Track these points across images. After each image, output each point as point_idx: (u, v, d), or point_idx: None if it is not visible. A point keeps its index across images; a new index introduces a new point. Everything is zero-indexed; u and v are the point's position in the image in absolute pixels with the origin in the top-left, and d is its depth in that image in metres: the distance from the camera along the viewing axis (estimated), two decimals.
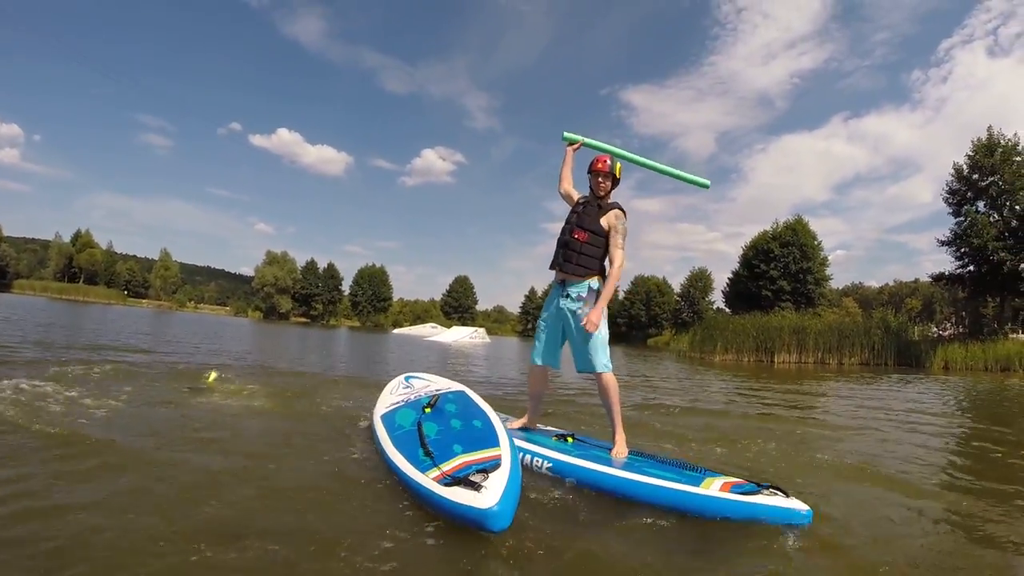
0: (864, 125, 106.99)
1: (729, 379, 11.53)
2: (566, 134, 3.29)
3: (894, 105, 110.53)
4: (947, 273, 21.77)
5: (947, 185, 21.48)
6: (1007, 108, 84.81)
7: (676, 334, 40.49)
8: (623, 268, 3.00)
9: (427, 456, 2.38)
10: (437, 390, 3.33)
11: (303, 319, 70.02)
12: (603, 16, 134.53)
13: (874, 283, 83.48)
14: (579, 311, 2.98)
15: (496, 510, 1.92)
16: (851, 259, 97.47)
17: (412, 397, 3.33)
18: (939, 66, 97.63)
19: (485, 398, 3.16)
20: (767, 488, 2.39)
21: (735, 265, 41.74)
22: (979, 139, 20.63)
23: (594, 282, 3.02)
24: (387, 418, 3.05)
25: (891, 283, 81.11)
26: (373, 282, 73.93)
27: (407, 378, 3.90)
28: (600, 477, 2.60)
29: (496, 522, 1.91)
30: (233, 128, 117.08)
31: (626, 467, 2.63)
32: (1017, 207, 19.42)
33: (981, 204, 20.59)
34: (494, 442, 2.45)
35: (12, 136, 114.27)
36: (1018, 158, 19.79)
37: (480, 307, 79.00)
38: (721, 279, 43.99)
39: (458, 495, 2.01)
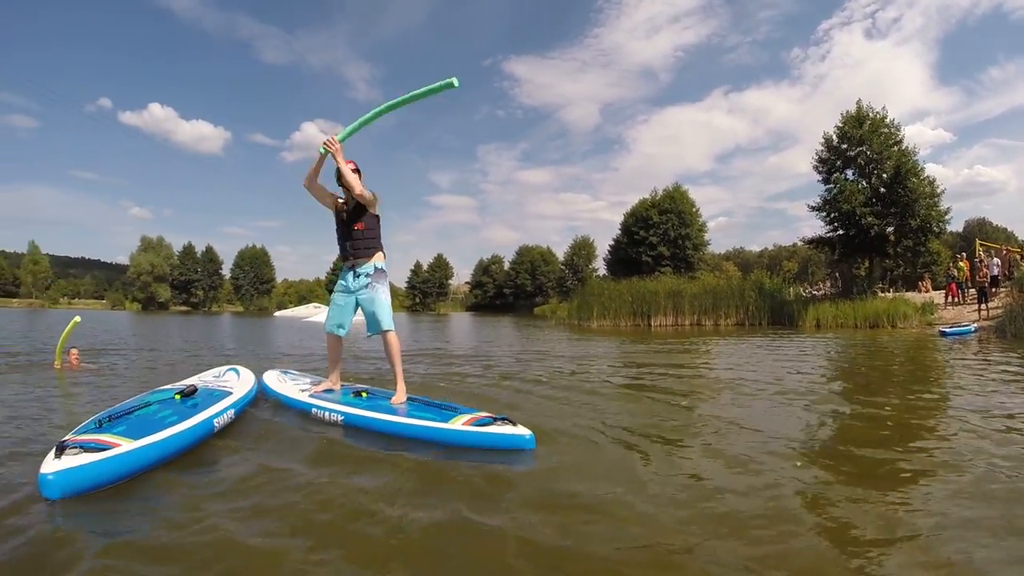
0: (745, 99, 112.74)
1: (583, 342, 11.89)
2: (321, 149, 3.49)
3: (774, 80, 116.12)
4: (818, 237, 23.20)
5: (817, 154, 22.71)
6: (880, 86, 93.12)
7: (561, 302, 39.99)
8: (360, 191, 3.56)
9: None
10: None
11: (184, 307, 65.59)
12: None
13: (755, 247, 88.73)
14: (370, 286, 3.63)
15: None
16: (733, 225, 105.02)
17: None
18: (818, 45, 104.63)
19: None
20: (500, 420, 2.93)
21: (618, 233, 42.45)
22: (848, 112, 21.95)
23: (379, 261, 3.70)
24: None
25: (771, 247, 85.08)
26: (255, 264, 70.59)
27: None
28: (374, 423, 3.17)
29: None
30: (102, 104, 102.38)
31: (396, 412, 3.20)
32: (884, 175, 20.93)
33: (850, 172, 22.07)
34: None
35: None
36: (885, 130, 21.23)
37: None
38: (606, 247, 45.77)
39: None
